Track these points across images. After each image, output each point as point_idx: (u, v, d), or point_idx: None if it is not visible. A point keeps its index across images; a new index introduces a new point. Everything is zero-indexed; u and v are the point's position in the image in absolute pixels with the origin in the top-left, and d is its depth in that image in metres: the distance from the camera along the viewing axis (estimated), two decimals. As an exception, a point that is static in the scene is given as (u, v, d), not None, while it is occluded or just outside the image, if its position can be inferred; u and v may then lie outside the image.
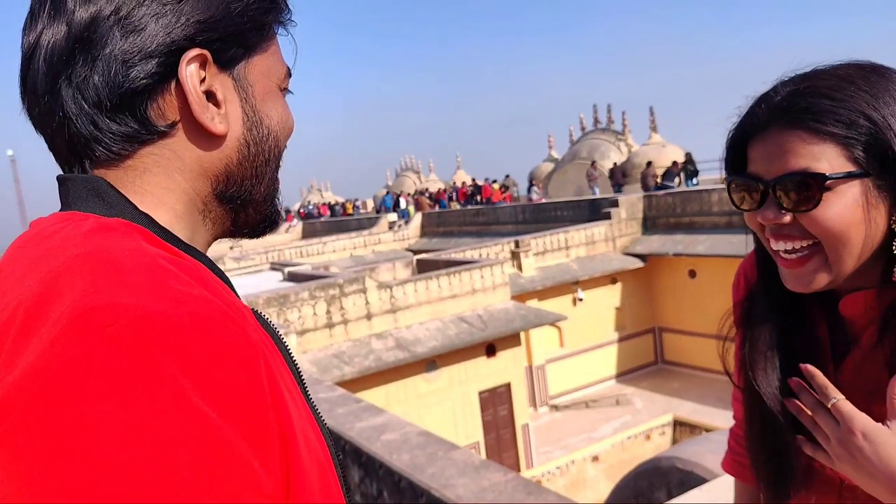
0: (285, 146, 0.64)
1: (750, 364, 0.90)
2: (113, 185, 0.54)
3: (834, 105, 0.74)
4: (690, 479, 3.19)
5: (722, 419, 13.10)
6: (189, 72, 0.54)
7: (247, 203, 0.62)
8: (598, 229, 17.17)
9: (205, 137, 0.56)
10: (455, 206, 27.69)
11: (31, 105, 0.57)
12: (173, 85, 0.54)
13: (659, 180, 19.84)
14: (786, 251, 0.79)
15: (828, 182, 0.73)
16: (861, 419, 0.76)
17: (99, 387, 0.36)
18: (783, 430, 0.88)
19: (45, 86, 0.54)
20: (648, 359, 18.02)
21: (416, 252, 21.01)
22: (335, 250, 23.31)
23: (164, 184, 0.56)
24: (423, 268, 15.03)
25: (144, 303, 0.40)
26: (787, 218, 0.77)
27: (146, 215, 0.54)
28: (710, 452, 2.93)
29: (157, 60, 0.53)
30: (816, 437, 0.80)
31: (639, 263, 17.00)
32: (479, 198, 26.62)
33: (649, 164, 20.34)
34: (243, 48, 0.58)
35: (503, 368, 13.18)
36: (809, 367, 0.80)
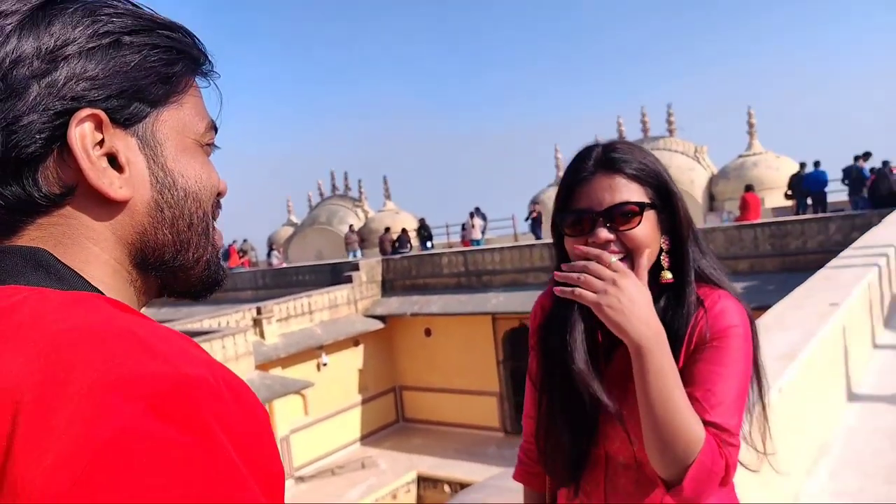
0: (212, 207, 0.59)
1: (563, 345, 1.08)
2: (55, 255, 0.49)
3: (635, 160, 1.05)
4: None
5: (462, 471, 13.83)
6: (79, 133, 0.49)
7: (175, 270, 0.57)
8: (341, 292, 17.41)
9: (109, 204, 0.51)
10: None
11: None
12: (64, 149, 0.49)
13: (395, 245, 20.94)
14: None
15: (644, 208, 1.02)
16: (630, 272, 0.97)
17: (155, 460, 0.35)
18: (577, 419, 1.08)
19: None
20: (391, 418, 18.44)
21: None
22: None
23: (81, 256, 0.51)
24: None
25: (179, 369, 0.39)
26: (613, 236, 1.02)
27: (97, 289, 0.50)
28: (491, 497, 3.10)
29: (42, 124, 0.48)
30: (586, 290, 0.96)
31: (379, 325, 17.54)
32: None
33: (387, 229, 21.34)
34: (145, 103, 0.53)
35: (247, 442, 12.45)
36: (584, 248, 1.01)
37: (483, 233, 21.08)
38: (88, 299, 0.47)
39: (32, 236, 0.50)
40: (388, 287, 18.55)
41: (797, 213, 15.99)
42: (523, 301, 15.12)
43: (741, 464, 1.13)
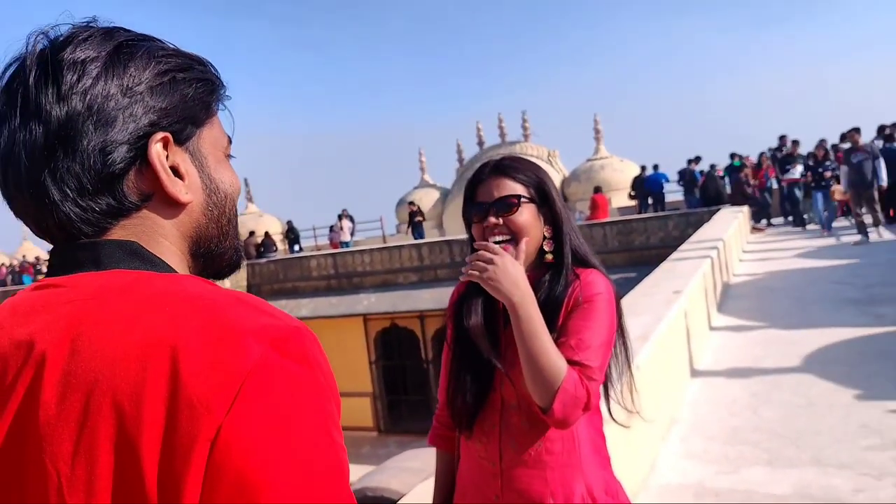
0: (237, 204, 0.73)
1: (466, 313, 1.39)
2: (145, 246, 0.62)
3: (521, 167, 1.37)
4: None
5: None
6: (156, 152, 0.61)
7: (215, 256, 0.70)
8: (204, 300, 16.72)
9: (176, 207, 0.64)
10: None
11: (13, 198, 0.62)
12: (143, 165, 0.61)
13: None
14: (497, 242, 1.31)
15: (521, 201, 1.32)
16: (509, 255, 1.26)
17: (282, 380, 0.52)
18: (476, 368, 1.35)
19: (30, 181, 0.59)
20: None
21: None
22: None
23: (158, 248, 0.63)
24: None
25: (286, 321, 0.55)
26: (500, 220, 1.32)
27: (173, 269, 0.63)
28: (393, 478, 3.25)
29: (127, 147, 0.60)
30: (475, 269, 1.24)
31: (247, 331, 17.05)
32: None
33: (251, 233, 20.74)
34: (195, 126, 0.65)
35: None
36: (480, 243, 1.29)
37: (352, 235, 21.10)
38: (190, 277, 0.60)
39: (118, 234, 0.62)
40: (255, 292, 18.04)
41: (640, 212, 17.50)
42: (394, 301, 15.37)
43: (615, 421, 1.43)
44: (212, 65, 0.70)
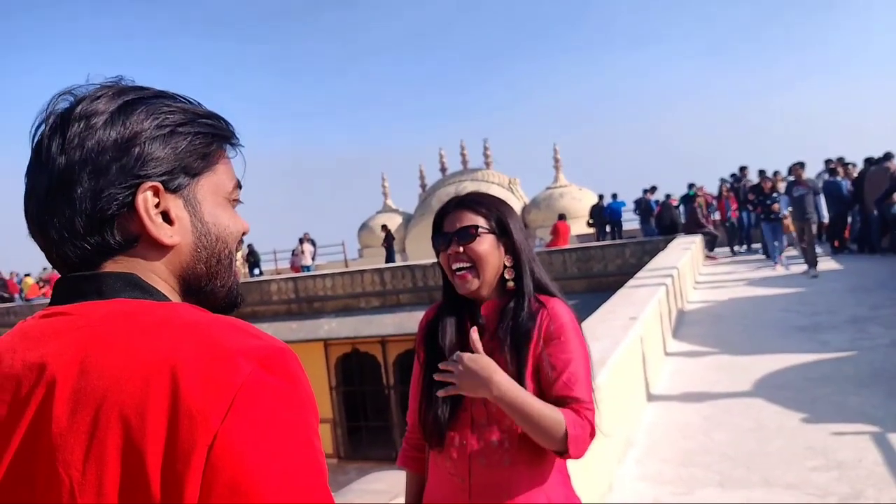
0: (236, 246, 0.78)
1: (441, 334, 1.49)
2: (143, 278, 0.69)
3: (483, 201, 1.49)
4: None
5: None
6: (143, 199, 0.67)
7: (206, 294, 0.75)
8: (160, 324, 16.34)
9: (162, 248, 0.70)
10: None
11: (32, 233, 0.71)
12: (131, 209, 0.67)
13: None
14: (458, 269, 1.43)
15: (479, 230, 1.44)
16: (468, 355, 1.33)
17: (269, 394, 0.58)
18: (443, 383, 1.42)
19: (38, 220, 0.69)
20: (217, 453, 17.53)
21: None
22: None
23: (155, 279, 0.70)
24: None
25: (272, 343, 0.62)
26: (461, 249, 1.43)
27: (168, 299, 0.69)
28: (357, 499, 3.22)
29: (120, 194, 0.66)
30: (449, 381, 1.33)
31: (204, 356, 16.69)
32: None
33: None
34: (189, 175, 0.71)
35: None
36: (473, 335, 1.37)
37: (313, 259, 20.95)
38: (186, 305, 0.67)
39: (112, 268, 0.68)
40: (213, 316, 17.72)
41: (598, 240, 17.86)
42: (356, 326, 15.28)
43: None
44: (222, 118, 0.77)
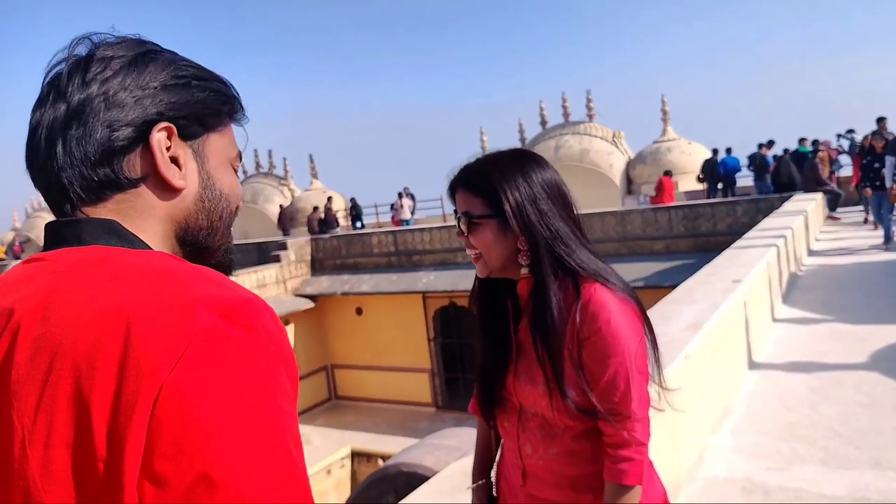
0: (236, 210, 0.79)
1: (479, 315, 1.39)
2: (124, 225, 0.67)
3: (482, 179, 1.26)
4: (415, 480, 3.58)
5: (395, 445, 14.08)
6: (157, 138, 0.68)
7: (202, 249, 0.75)
8: (269, 272, 17.24)
9: (168, 190, 0.70)
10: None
11: (31, 164, 0.70)
12: (144, 148, 0.69)
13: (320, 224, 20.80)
14: (471, 255, 1.30)
15: (474, 219, 1.26)
16: None
17: (227, 345, 0.55)
18: (491, 370, 1.35)
19: (45, 148, 0.68)
20: (322, 396, 18.52)
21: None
22: None
23: (142, 226, 0.69)
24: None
25: (239, 293, 0.59)
26: (466, 235, 1.28)
27: (149, 248, 0.68)
28: (428, 454, 3.32)
29: (133, 128, 0.68)
30: None
31: (310, 304, 17.50)
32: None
33: (315, 208, 21.19)
34: (202, 127, 0.73)
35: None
36: None
37: (412, 213, 21.26)
38: (160, 254, 0.66)
39: (109, 209, 0.68)
40: (318, 266, 18.49)
41: (708, 197, 16.95)
42: (453, 280, 15.45)
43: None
44: (232, 86, 0.78)
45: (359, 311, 17.90)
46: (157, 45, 0.74)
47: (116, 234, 0.67)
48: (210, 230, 0.75)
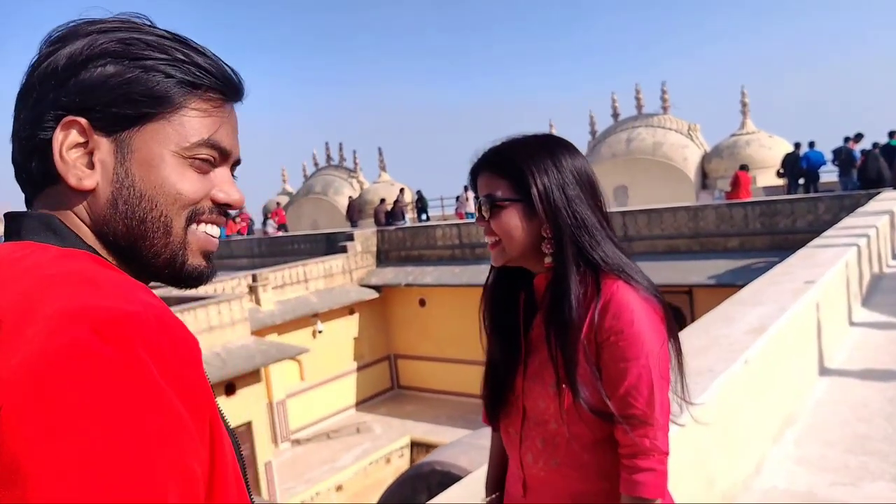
0: (178, 212, 0.66)
1: (489, 309, 1.33)
2: (62, 221, 0.64)
3: (507, 161, 1.20)
4: (448, 479, 3.57)
5: (453, 437, 14.12)
6: (58, 134, 0.63)
7: (134, 258, 0.67)
8: (336, 262, 17.60)
9: (77, 191, 0.64)
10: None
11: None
12: None
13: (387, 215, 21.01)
14: (489, 241, 1.23)
15: (498, 202, 1.19)
16: None
17: (91, 363, 0.48)
18: (499, 369, 1.29)
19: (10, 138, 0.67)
20: (385, 385, 18.80)
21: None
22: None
23: (75, 223, 0.65)
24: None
25: (121, 305, 0.52)
26: (487, 220, 1.21)
27: (90, 247, 0.64)
28: (462, 454, 3.29)
29: (51, 123, 0.63)
30: None
31: (374, 294, 17.77)
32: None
33: (382, 200, 21.44)
34: (128, 118, 0.63)
35: (243, 407, 12.73)
36: None
37: (477, 206, 21.15)
38: (76, 254, 0.60)
39: (48, 202, 0.65)
40: (383, 258, 18.72)
41: (788, 193, 16.13)
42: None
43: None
44: (219, 66, 0.68)
45: (422, 303, 18.02)
46: (136, 25, 0.67)
47: (52, 230, 0.63)
48: (131, 237, 0.65)
